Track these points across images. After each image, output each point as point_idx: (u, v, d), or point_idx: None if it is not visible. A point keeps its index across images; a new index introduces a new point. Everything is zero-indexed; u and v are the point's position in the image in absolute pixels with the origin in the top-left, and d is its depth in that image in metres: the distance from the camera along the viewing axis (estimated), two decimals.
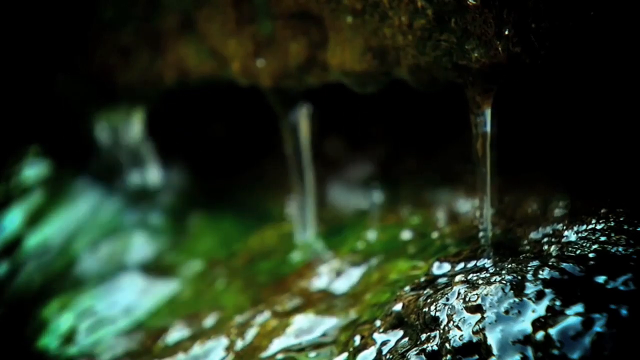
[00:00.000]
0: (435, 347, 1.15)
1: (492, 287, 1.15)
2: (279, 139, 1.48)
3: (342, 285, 1.38)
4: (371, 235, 1.44)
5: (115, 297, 1.53)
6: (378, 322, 1.24)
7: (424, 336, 1.17)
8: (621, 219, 1.22)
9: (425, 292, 1.22)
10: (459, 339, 1.14)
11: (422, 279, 1.28)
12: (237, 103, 1.60)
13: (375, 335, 1.23)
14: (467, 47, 1.21)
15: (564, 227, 1.26)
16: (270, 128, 1.51)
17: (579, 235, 1.23)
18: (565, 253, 1.20)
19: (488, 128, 1.26)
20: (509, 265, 1.20)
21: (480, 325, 1.13)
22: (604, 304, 1.11)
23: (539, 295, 1.13)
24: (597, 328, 1.09)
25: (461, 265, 1.28)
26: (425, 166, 1.47)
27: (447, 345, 1.14)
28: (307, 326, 1.32)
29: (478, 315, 1.14)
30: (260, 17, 1.39)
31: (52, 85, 1.65)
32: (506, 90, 1.25)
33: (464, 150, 1.31)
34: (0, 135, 1.71)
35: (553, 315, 1.11)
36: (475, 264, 1.27)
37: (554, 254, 1.21)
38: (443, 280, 1.25)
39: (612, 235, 1.20)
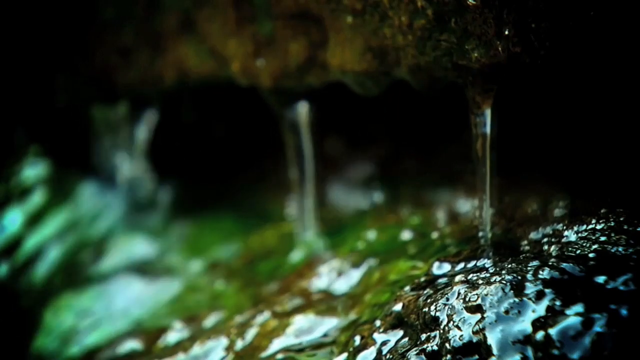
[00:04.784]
0: (435, 347, 1.15)
1: (492, 287, 1.15)
2: (279, 138, 1.48)
3: (342, 285, 1.38)
4: (371, 235, 1.44)
5: (114, 297, 1.53)
6: (378, 322, 1.24)
7: (424, 336, 1.17)
8: (621, 219, 1.22)
9: (425, 292, 1.22)
10: (459, 339, 1.14)
11: (422, 279, 1.28)
12: (237, 103, 1.60)
13: (375, 335, 1.23)
14: (467, 47, 1.21)
15: (564, 227, 1.26)
16: (270, 128, 1.51)
17: (579, 235, 1.23)
18: (565, 253, 1.20)
19: (488, 128, 1.26)
20: (509, 265, 1.20)
21: (480, 325, 1.13)
22: (604, 304, 1.11)
23: (539, 295, 1.13)
24: (597, 328, 1.09)
25: (461, 265, 1.28)
26: (425, 166, 1.47)
27: (447, 345, 1.14)
28: (307, 326, 1.32)
29: (478, 315, 1.14)
30: (260, 17, 1.39)
31: (52, 85, 1.65)
32: (506, 90, 1.25)
33: (464, 150, 1.31)
34: (0, 135, 1.71)
35: (553, 315, 1.11)
36: (475, 264, 1.27)
37: (554, 254, 1.21)
38: (443, 280, 1.25)
39: (612, 235, 1.20)
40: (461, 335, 1.14)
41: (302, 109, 1.45)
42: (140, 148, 1.64)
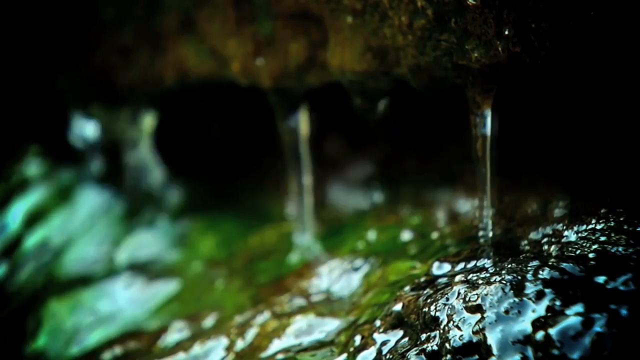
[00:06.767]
0: (435, 347, 1.15)
1: (492, 287, 1.15)
2: (279, 139, 1.48)
3: (342, 285, 1.38)
4: (371, 235, 1.44)
5: (115, 297, 1.53)
6: (378, 322, 1.24)
7: (424, 336, 1.17)
8: (621, 219, 1.22)
9: (425, 292, 1.22)
10: (459, 339, 1.14)
11: (422, 279, 1.28)
12: (237, 103, 1.60)
13: (375, 336, 1.23)
14: (467, 47, 1.21)
15: (564, 227, 1.26)
16: (270, 128, 1.50)
17: (579, 235, 1.23)
18: (565, 253, 1.20)
19: (488, 128, 1.26)
20: (509, 265, 1.20)
21: (480, 325, 1.13)
22: (604, 304, 1.11)
23: (539, 295, 1.13)
24: (597, 328, 1.09)
25: (461, 265, 1.28)
26: (425, 166, 1.47)
27: (447, 345, 1.14)
28: (307, 326, 1.32)
29: (478, 315, 1.14)
30: (260, 17, 1.39)
31: (52, 85, 1.65)
32: (506, 90, 1.25)
33: (464, 150, 1.31)
34: (0, 135, 1.71)
35: (553, 315, 1.11)
36: (475, 264, 1.27)
37: (554, 254, 1.21)
38: (443, 280, 1.25)
39: (612, 235, 1.20)
40: (461, 335, 1.14)
41: (302, 109, 1.45)
42: (141, 148, 1.64)
